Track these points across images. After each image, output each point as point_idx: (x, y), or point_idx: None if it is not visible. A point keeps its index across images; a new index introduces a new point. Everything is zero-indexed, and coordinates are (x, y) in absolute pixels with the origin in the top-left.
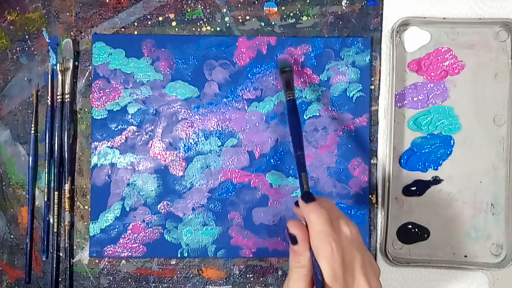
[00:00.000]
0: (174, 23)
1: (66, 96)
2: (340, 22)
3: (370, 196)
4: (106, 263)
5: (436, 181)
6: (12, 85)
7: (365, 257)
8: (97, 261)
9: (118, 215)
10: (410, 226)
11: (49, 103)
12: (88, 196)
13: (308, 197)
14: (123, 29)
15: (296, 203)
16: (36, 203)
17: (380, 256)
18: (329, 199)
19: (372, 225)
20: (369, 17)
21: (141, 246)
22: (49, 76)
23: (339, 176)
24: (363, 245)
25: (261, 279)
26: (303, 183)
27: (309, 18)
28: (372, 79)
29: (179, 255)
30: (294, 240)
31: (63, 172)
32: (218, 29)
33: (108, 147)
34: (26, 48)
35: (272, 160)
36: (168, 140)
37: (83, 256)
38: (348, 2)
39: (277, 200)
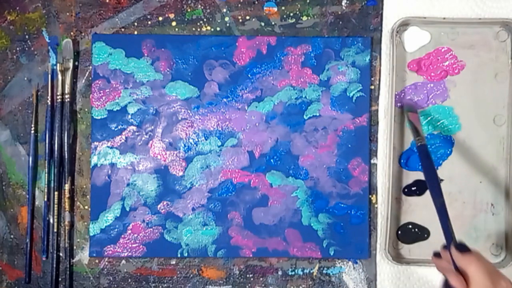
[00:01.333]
0: (174, 23)
1: (66, 96)
2: (340, 22)
3: (370, 196)
4: (106, 263)
5: None
6: (12, 85)
7: None
8: (97, 261)
9: (118, 215)
10: (410, 226)
11: (49, 103)
12: (88, 196)
13: (464, 248)
14: (123, 29)
15: (436, 255)
16: (36, 203)
17: (380, 256)
18: (482, 256)
19: (372, 225)
20: (369, 17)
21: (141, 246)
22: (49, 76)
23: (339, 176)
24: None
25: (261, 279)
26: (451, 231)
27: (309, 18)
28: (372, 79)
29: (179, 255)
30: None
31: (63, 172)
32: (218, 29)
33: (108, 147)
34: (26, 48)
35: (272, 160)
36: (168, 140)
37: (83, 256)
38: (348, 2)
39: (277, 200)
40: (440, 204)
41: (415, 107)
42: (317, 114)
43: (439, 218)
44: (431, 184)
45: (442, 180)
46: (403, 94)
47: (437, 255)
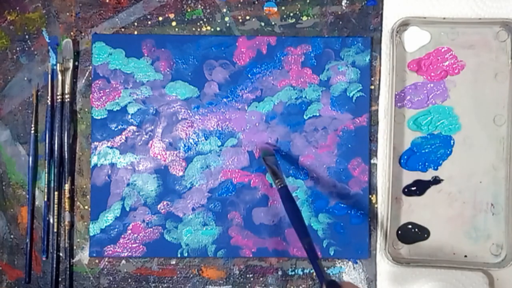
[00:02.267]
0: (174, 23)
1: (66, 96)
2: (340, 22)
3: (370, 196)
4: (106, 263)
5: (436, 181)
6: (12, 85)
7: None
8: (97, 261)
9: (118, 215)
10: (410, 226)
11: (49, 103)
12: (88, 196)
13: (333, 286)
14: (123, 29)
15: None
16: (36, 203)
17: (380, 256)
18: (352, 284)
19: (372, 225)
20: (369, 17)
21: (141, 246)
22: (49, 76)
23: (339, 176)
24: None
25: (261, 279)
26: (321, 270)
27: (309, 18)
28: (372, 79)
29: (179, 255)
30: None
31: (63, 172)
32: (218, 29)
33: (108, 147)
34: (26, 48)
35: None
36: (168, 140)
37: (83, 256)
38: (348, 2)
39: (277, 200)
40: (307, 244)
41: (270, 151)
42: (317, 114)
43: (308, 257)
44: (296, 226)
45: (442, 180)
46: (403, 94)
47: None
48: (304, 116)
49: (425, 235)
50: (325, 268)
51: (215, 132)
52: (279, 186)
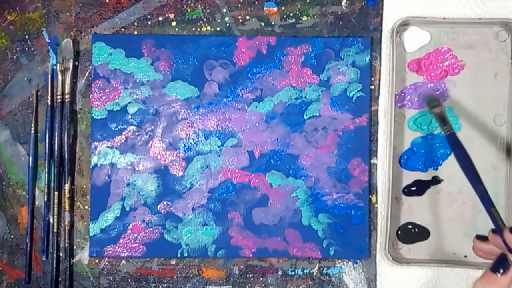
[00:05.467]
0: (174, 23)
1: (66, 96)
2: (340, 22)
3: (370, 196)
4: (106, 263)
5: (436, 181)
6: (12, 85)
7: None
8: (97, 261)
9: (118, 215)
10: (410, 226)
11: (49, 103)
12: (88, 196)
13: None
14: (123, 29)
15: (481, 238)
16: (36, 203)
17: (380, 256)
18: None
19: (372, 225)
20: (369, 17)
21: (141, 246)
22: (49, 76)
23: (339, 176)
24: None
25: (261, 279)
26: (498, 218)
27: (309, 18)
28: (372, 79)
29: (179, 255)
30: (506, 267)
31: (63, 172)
32: (218, 29)
33: (108, 147)
34: (26, 48)
35: (272, 160)
36: (168, 140)
37: (83, 256)
38: (348, 2)
39: (277, 200)
40: (480, 192)
41: (437, 98)
42: (317, 114)
43: (483, 205)
44: (468, 173)
45: (442, 180)
46: (403, 94)
47: (481, 238)
48: (304, 116)
49: (425, 235)
50: (325, 268)
51: (215, 132)
52: (447, 133)
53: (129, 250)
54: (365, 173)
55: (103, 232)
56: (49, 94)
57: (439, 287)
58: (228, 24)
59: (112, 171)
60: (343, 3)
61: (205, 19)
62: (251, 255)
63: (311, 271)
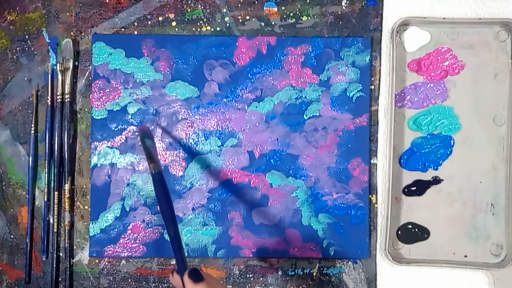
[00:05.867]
0: (174, 23)
1: (66, 96)
2: (340, 22)
3: (370, 196)
4: (106, 263)
5: (436, 181)
6: (12, 85)
7: None
8: (97, 261)
9: (118, 215)
10: (410, 226)
11: (49, 103)
12: (88, 196)
13: (195, 275)
14: (123, 29)
15: (173, 272)
16: (36, 203)
17: (380, 256)
18: (215, 278)
19: (372, 225)
20: (369, 17)
21: (141, 246)
22: (49, 76)
23: (339, 176)
24: None
25: (261, 279)
26: (184, 261)
27: (309, 18)
28: (372, 79)
29: None
30: None
31: (63, 172)
32: (218, 29)
33: (108, 147)
34: (26, 48)
35: (272, 160)
36: (168, 140)
37: (83, 256)
38: (348, 2)
39: (277, 200)
40: (173, 232)
41: (150, 133)
42: (317, 114)
43: (172, 246)
44: (164, 213)
45: (442, 180)
46: (403, 94)
47: (173, 272)
48: (304, 116)
49: (425, 235)
50: (325, 268)
51: (215, 132)
52: (154, 171)
53: (129, 250)
54: (365, 173)
55: (103, 232)
56: (49, 94)
57: (439, 287)
58: (228, 24)
59: (112, 171)
60: (343, 3)
61: (205, 19)
62: (251, 255)
63: (311, 271)
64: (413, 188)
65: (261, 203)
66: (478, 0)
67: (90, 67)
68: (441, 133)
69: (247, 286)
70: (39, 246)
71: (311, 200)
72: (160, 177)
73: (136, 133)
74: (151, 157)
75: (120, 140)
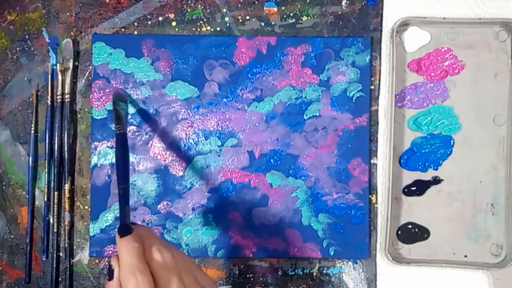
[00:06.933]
0: (174, 23)
1: (66, 96)
2: (340, 22)
3: (370, 196)
4: (106, 263)
5: (436, 181)
6: (12, 85)
7: (187, 278)
8: (97, 261)
9: (118, 215)
10: (410, 226)
11: (49, 103)
12: (88, 196)
13: (123, 230)
14: (123, 29)
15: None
16: (36, 203)
17: (380, 256)
18: (147, 228)
19: (372, 225)
20: (369, 17)
21: None
22: (49, 76)
23: (339, 176)
24: (186, 264)
25: (261, 279)
26: (125, 216)
27: (309, 18)
28: (372, 79)
29: None
30: (111, 275)
31: (63, 172)
32: (218, 29)
33: (108, 147)
34: (26, 48)
35: (272, 160)
36: (168, 140)
37: (83, 256)
38: (348, 2)
39: (277, 200)
40: (122, 190)
41: (124, 98)
42: (317, 114)
43: (119, 202)
44: (119, 170)
45: (442, 180)
46: (403, 94)
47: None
48: (304, 116)
49: (425, 235)
50: (325, 268)
51: (215, 132)
52: (119, 132)
53: None
54: (365, 173)
55: (103, 232)
56: (49, 94)
57: (439, 287)
58: (228, 24)
59: (112, 171)
60: (343, 3)
61: (205, 19)
62: (251, 255)
63: (311, 271)
64: (413, 188)
65: (261, 203)
66: (478, 0)
67: (90, 67)
68: (441, 133)
69: (247, 286)
70: (39, 246)
71: (311, 200)
72: (123, 137)
73: (110, 95)
74: (119, 118)
75: None
